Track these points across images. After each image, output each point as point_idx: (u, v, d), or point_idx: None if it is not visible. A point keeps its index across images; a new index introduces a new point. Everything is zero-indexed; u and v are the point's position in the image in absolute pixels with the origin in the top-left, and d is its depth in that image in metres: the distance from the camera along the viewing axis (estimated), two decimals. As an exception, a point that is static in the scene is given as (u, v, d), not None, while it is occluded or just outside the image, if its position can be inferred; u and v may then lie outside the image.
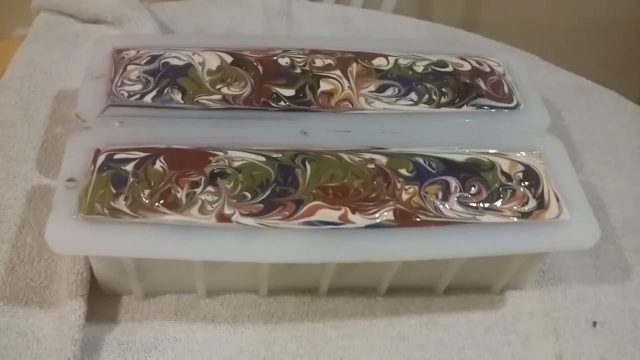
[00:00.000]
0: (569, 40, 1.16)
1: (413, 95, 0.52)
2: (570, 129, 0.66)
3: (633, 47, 1.19)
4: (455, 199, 0.45)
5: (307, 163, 0.46)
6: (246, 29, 0.71)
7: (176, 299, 0.49)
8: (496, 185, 0.46)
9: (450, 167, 0.47)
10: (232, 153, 0.46)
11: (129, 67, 0.50)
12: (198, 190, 0.43)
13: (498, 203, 0.45)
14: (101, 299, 0.47)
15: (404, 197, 0.45)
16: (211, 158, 0.45)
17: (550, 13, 1.16)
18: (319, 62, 0.53)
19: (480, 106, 0.52)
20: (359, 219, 0.43)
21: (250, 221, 0.42)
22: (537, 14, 1.16)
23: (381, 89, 0.52)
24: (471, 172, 0.47)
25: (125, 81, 0.49)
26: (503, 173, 0.47)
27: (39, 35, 0.64)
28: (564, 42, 1.15)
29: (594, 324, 0.50)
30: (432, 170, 0.47)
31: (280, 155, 0.46)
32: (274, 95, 0.50)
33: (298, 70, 0.52)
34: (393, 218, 0.44)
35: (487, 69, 0.55)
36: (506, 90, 0.53)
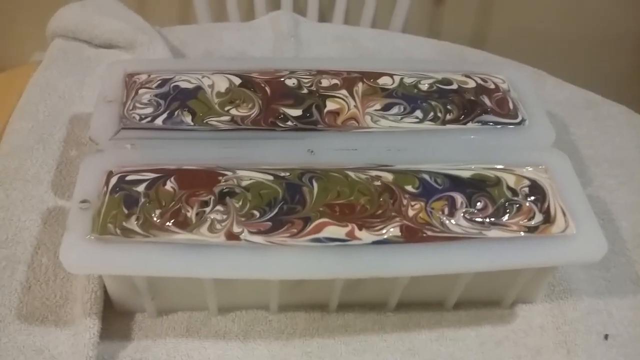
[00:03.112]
0: (578, 53, 1.17)
1: (418, 113, 0.52)
2: (578, 143, 0.66)
3: (642, 60, 1.20)
4: (462, 214, 0.46)
5: (314, 181, 0.46)
6: (256, 51, 0.72)
7: (188, 316, 0.49)
8: (502, 200, 0.47)
9: (456, 183, 0.47)
10: (240, 172, 0.46)
11: (141, 91, 0.52)
12: (207, 209, 0.44)
13: (504, 218, 0.46)
14: (115, 317, 0.48)
15: (410, 213, 0.45)
16: (220, 178, 0.46)
17: (560, 27, 1.17)
18: (325, 83, 0.54)
19: (485, 122, 0.52)
20: (365, 235, 0.44)
21: (258, 239, 0.43)
22: (547, 28, 1.17)
23: (387, 108, 0.53)
24: (477, 187, 0.47)
25: (137, 105, 0.51)
26: (509, 188, 0.48)
27: (53, 60, 0.66)
28: (574, 56, 1.16)
29: (606, 337, 0.50)
30: (438, 187, 0.47)
31: (288, 174, 0.47)
32: (282, 116, 0.51)
33: (305, 91, 0.53)
34: (400, 234, 0.44)
35: (492, 86, 0.56)
36: (511, 107, 0.54)
